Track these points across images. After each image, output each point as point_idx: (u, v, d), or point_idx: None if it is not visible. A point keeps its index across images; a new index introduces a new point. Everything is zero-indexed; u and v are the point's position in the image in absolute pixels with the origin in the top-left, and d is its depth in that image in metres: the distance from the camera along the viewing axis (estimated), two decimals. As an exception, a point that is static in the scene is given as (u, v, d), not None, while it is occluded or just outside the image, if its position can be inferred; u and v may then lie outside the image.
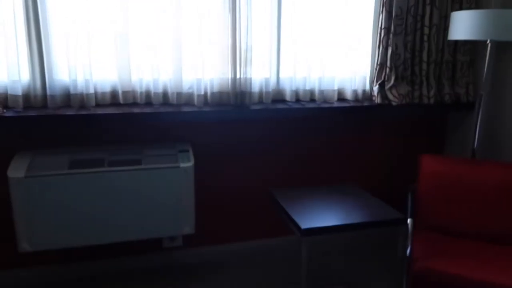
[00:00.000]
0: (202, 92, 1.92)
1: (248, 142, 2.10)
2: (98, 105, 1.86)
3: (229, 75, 1.93)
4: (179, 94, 1.92)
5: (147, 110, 1.84)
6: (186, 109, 1.88)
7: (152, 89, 1.89)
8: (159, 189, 1.79)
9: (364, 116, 2.21)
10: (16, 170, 1.66)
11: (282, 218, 1.70)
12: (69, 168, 1.70)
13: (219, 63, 1.92)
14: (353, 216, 1.62)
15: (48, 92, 1.76)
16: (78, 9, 1.72)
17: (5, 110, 1.71)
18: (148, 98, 1.91)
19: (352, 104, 2.08)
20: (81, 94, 1.80)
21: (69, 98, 1.81)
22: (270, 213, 2.16)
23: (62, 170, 1.69)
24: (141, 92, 1.88)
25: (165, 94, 1.93)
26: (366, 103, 2.10)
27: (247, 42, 1.90)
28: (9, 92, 1.73)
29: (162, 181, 1.78)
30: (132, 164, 1.76)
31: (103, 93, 1.86)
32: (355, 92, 2.13)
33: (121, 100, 1.88)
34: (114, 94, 1.89)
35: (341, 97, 2.17)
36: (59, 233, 1.73)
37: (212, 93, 1.95)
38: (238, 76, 1.92)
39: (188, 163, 1.81)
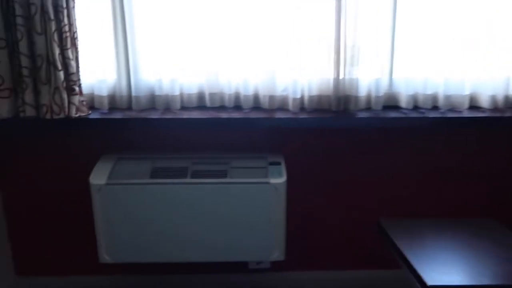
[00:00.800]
0: (299, 96, 1.63)
1: (351, 157, 1.77)
2: (183, 108, 1.69)
3: (331, 76, 1.62)
4: (272, 98, 1.66)
5: (236, 115, 1.61)
6: (279, 115, 1.61)
7: (241, 92, 1.66)
8: (245, 207, 1.55)
9: (508, 130, 1.73)
10: (98, 176, 1.55)
11: (389, 250, 1.35)
12: (151, 177, 1.55)
13: (319, 61, 1.62)
14: (492, 272, 1.20)
15: (133, 93, 1.63)
16: (165, 8, 1.56)
17: (90, 111, 1.62)
18: (237, 101, 1.69)
19: (489, 114, 1.63)
20: (166, 96, 1.65)
21: (154, 100, 1.66)
22: (374, 242, 1.80)
23: (144, 178, 1.54)
24: (229, 95, 1.66)
25: (256, 97, 1.68)
26: (509, 113, 1.63)
27: (354, 36, 1.57)
28: (95, 93, 1.64)
29: (248, 198, 1.54)
30: (217, 176, 1.55)
31: (189, 95, 1.68)
32: (493, 98, 1.67)
33: (208, 103, 1.68)
34: (200, 96, 1.70)
35: (473, 104, 1.71)
36: (139, 247, 1.59)
37: (310, 97, 1.66)
38: (341, 76, 1.60)
39: (279, 179, 1.55)
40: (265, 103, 1.67)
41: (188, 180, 1.54)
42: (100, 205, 1.55)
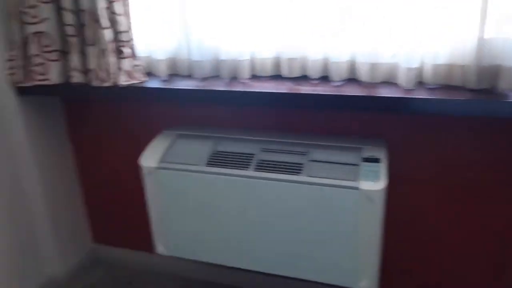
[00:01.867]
0: (415, 65, 1.11)
1: (492, 164, 1.20)
2: (254, 76, 1.31)
3: (469, 36, 1.05)
4: (374, 67, 1.17)
5: (321, 89, 1.17)
6: (384, 91, 1.13)
7: (331, 57, 1.20)
8: (324, 215, 1.15)
9: None
10: (149, 158, 1.30)
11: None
12: (208, 163, 1.24)
13: (451, 13, 1.06)
14: None
15: (194, 58, 1.31)
16: None
17: (147, 79, 1.35)
18: (324, 71, 1.24)
19: None
20: (233, 62, 1.28)
21: (219, 66, 1.31)
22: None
23: (200, 164, 1.24)
24: (314, 61, 1.22)
25: (351, 65, 1.21)
26: None
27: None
28: (152, 57, 1.36)
29: (328, 205, 1.13)
30: (288, 172, 1.16)
31: (262, 61, 1.29)
32: None
33: (285, 72, 1.27)
34: (276, 62, 1.29)
35: None
36: (196, 243, 1.33)
37: (435, 67, 1.12)
38: (488, 36, 1.03)
39: (375, 184, 1.09)
40: (364, 74, 1.19)
41: (250, 172, 1.19)
42: (151, 190, 1.31)
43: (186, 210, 1.29)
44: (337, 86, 1.20)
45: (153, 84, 1.31)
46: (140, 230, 1.71)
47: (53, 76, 1.32)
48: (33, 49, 1.29)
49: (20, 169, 1.49)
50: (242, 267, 1.31)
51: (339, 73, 1.21)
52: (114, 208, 1.72)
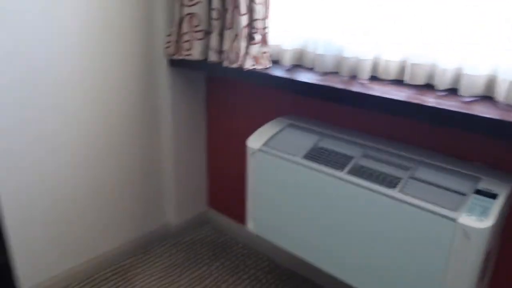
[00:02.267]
0: None
1: None
2: (374, 78, 1.24)
3: None
4: (516, 86, 0.98)
5: (446, 104, 1.04)
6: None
7: (464, 69, 1.05)
8: (411, 239, 1.03)
9: None
10: (256, 140, 1.38)
11: None
12: (305, 156, 1.25)
13: None
14: None
15: (319, 52, 1.31)
16: None
17: (270, 65, 1.42)
18: (454, 83, 1.10)
19: None
20: (356, 60, 1.24)
21: (340, 63, 1.29)
22: None
23: (298, 156, 1.26)
24: (443, 71, 1.08)
25: (489, 81, 1.04)
26: None
27: None
28: (281, 46, 1.42)
29: (419, 231, 1.01)
30: (382, 183, 1.08)
31: (386, 63, 1.21)
32: None
33: (407, 78, 1.17)
34: (400, 66, 1.19)
35: None
36: (281, 229, 1.36)
37: None
38: None
39: (478, 221, 0.93)
40: (503, 93, 1.01)
41: (342, 175, 1.15)
42: (252, 170, 1.39)
43: (277, 196, 1.33)
44: (467, 102, 1.05)
45: (276, 72, 1.37)
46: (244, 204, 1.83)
47: (196, 52, 1.51)
48: (185, 27, 1.50)
49: (160, 125, 1.76)
50: (318, 266, 1.28)
51: (471, 88, 1.06)
52: (228, 178, 1.88)
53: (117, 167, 1.64)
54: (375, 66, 1.23)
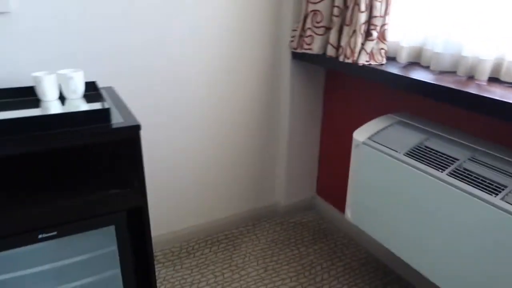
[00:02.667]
0: None
1: None
2: (494, 79, 1.17)
3: None
4: None
5: None
6: None
7: None
8: (510, 250, 0.98)
9: None
10: (362, 133, 1.43)
11: None
12: (407, 154, 1.26)
13: None
14: None
15: (436, 50, 1.29)
16: None
17: (386, 61, 1.44)
18: None
19: None
20: (475, 59, 1.19)
21: (458, 62, 1.25)
22: None
23: (398, 152, 1.28)
24: None
25: None
26: None
27: None
28: (398, 43, 1.43)
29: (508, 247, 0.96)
30: (484, 188, 1.04)
31: (510, 65, 1.13)
32: None
33: (532, 82, 1.08)
34: (525, 68, 1.11)
35: None
36: (377, 222, 1.40)
37: None
38: None
39: None
40: None
41: (443, 176, 1.13)
42: (355, 161, 1.46)
43: (375, 189, 1.37)
44: None
45: (391, 68, 1.40)
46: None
47: (316, 47, 1.62)
48: (308, 23, 1.62)
49: (279, 112, 1.93)
50: (407, 262, 1.29)
51: None
52: (337, 169, 1.95)
53: (239, 147, 1.87)
54: (496, 67, 1.17)
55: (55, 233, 1.07)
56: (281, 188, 2.05)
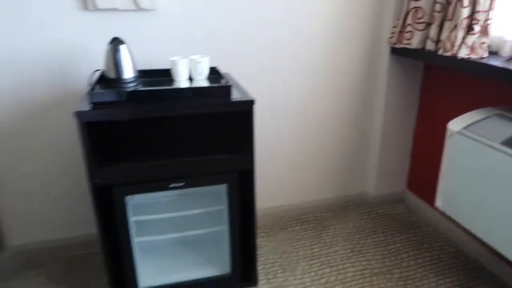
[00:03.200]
0: None
1: None
2: None
3: None
4: None
5: None
6: None
7: None
8: None
9: None
10: (458, 123, 1.47)
11: None
12: (502, 143, 1.28)
13: None
14: None
15: (542, 42, 1.30)
16: None
17: (487, 55, 1.47)
18: None
19: None
20: None
21: None
22: None
23: (494, 141, 1.31)
24: None
25: None
26: None
27: None
28: (503, 37, 1.45)
29: None
30: None
31: None
32: None
33: None
34: None
35: None
36: (471, 211, 1.44)
37: None
38: None
39: None
40: None
41: (539, 163, 1.15)
42: (448, 150, 1.50)
43: (468, 178, 1.40)
44: None
45: (493, 62, 1.43)
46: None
47: (415, 42, 1.69)
48: (409, 19, 1.70)
49: (373, 105, 2.02)
50: (507, 255, 1.30)
51: None
52: (430, 165, 1.98)
53: (334, 136, 2.01)
54: None
55: (182, 184, 1.33)
56: (372, 180, 2.13)
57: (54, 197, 1.73)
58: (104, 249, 1.34)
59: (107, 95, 1.23)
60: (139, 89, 1.32)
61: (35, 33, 1.49)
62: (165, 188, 1.32)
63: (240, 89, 1.42)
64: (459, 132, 1.43)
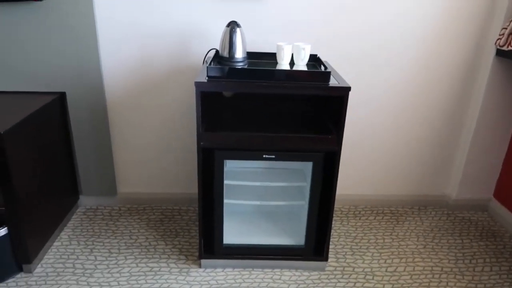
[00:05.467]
0: None
1: None
2: None
3: None
4: None
5: None
6: None
7: None
8: None
9: None
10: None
11: None
12: None
13: None
14: None
15: None
16: None
17: None
18: None
19: None
20: None
21: None
22: None
23: None
24: None
25: None
26: None
27: None
28: None
29: None
30: None
31: None
32: None
33: None
34: None
35: None
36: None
37: None
38: None
39: None
40: None
41: None
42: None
43: None
44: None
45: None
46: None
47: (525, 45, 1.63)
48: (521, 22, 1.64)
49: (469, 105, 1.98)
50: None
51: None
52: None
53: (422, 131, 2.01)
54: None
55: (273, 156, 1.47)
56: (456, 182, 2.10)
57: (163, 153, 2.01)
58: (201, 205, 1.55)
59: (220, 71, 1.41)
60: (247, 67, 1.49)
61: (170, 13, 1.74)
62: (259, 157, 1.48)
63: (337, 76, 1.51)
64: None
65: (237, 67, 1.48)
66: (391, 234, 1.91)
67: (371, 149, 2.04)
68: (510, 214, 1.97)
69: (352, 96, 1.92)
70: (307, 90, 1.38)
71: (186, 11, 1.74)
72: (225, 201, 1.63)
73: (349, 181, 2.11)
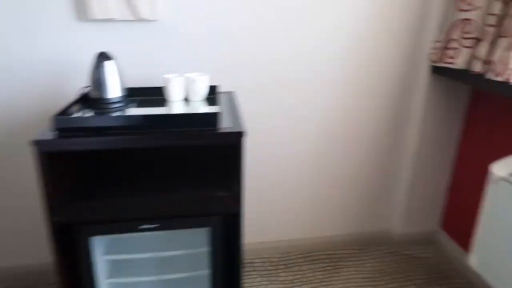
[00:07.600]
0: None
1: None
2: None
3: None
4: None
5: None
6: None
7: None
8: None
9: None
10: (503, 167, 1.17)
11: None
12: None
13: None
14: None
15: None
16: None
17: (552, 86, 1.15)
18: None
19: None
20: None
21: None
22: None
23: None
24: None
25: None
26: None
27: None
28: None
29: None
30: None
31: None
32: None
33: None
34: None
35: None
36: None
37: None
38: None
39: None
40: None
41: None
42: (489, 199, 1.20)
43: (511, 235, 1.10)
44: None
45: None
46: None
47: (460, 61, 1.38)
48: (455, 34, 1.39)
49: (407, 129, 1.72)
50: None
51: None
52: (470, 204, 1.66)
53: (355, 162, 1.73)
54: None
55: (157, 225, 1.12)
56: (399, 215, 1.84)
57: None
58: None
59: (72, 121, 1.04)
60: (105, 115, 1.13)
61: (28, 44, 1.34)
62: (134, 229, 1.12)
63: (235, 114, 1.19)
64: (505, 179, 1.13)
65: (108, 110, 1.13)
66: (327, 287, 1.61)
67: (298, 186, 1.73)
68: (457, 247, 1.73)
69: (269, 129, 1.61)
70: (185, 140, 1.04)
71: (54, 42, 1.35)
72: (109, 280, 1.26)
73: (277, 225, 1.79)
